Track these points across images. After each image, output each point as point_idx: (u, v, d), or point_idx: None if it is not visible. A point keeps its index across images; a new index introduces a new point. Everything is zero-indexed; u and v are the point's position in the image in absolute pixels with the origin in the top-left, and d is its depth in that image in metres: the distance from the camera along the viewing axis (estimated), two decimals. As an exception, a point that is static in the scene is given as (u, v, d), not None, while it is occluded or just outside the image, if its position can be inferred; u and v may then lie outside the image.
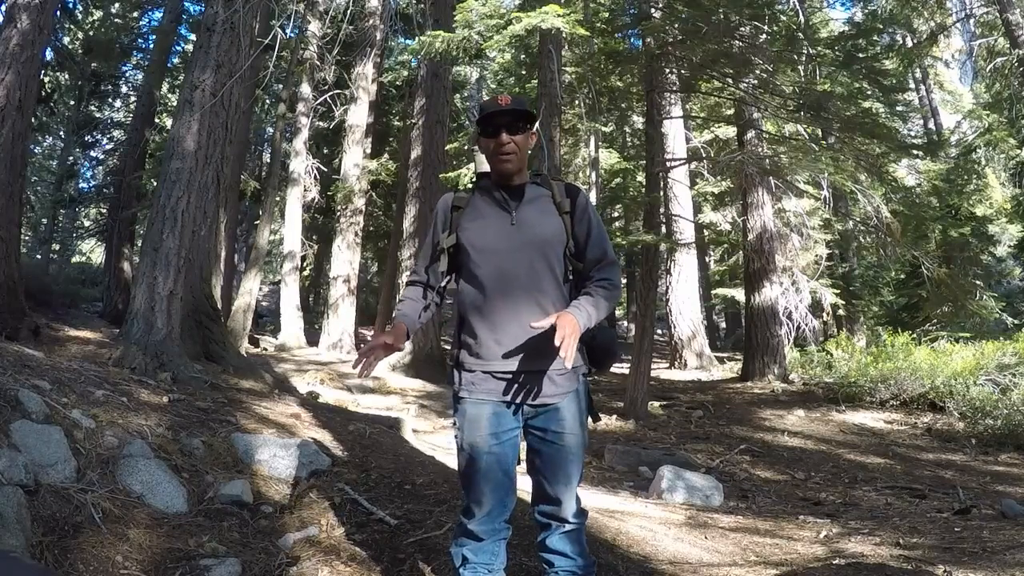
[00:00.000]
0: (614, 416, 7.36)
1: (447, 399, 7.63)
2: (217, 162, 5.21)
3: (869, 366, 8.58)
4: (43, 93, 11.25)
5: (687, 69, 8.21)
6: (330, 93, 14.19)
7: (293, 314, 13.48)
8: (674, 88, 8.98)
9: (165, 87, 15.79)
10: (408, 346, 10.58)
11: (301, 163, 13.61)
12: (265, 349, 12.44)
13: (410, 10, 12.45)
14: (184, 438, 3.03)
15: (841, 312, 14.29)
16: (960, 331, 10.76)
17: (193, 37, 11.79)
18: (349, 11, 11.12)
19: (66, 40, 13.91)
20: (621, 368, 10.44)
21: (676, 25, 7.52)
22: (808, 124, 9.09)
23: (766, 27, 7.57)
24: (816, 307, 12.78)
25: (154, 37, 14.75)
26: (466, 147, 13.35)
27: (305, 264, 20.09)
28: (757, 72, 7.76)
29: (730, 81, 8.21)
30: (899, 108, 12.02)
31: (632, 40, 8.97)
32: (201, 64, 5.02)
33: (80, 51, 14.24)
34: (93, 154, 18.10)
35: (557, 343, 1.48)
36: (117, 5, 15.51)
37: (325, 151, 18.26)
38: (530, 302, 1.68)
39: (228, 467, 2.94)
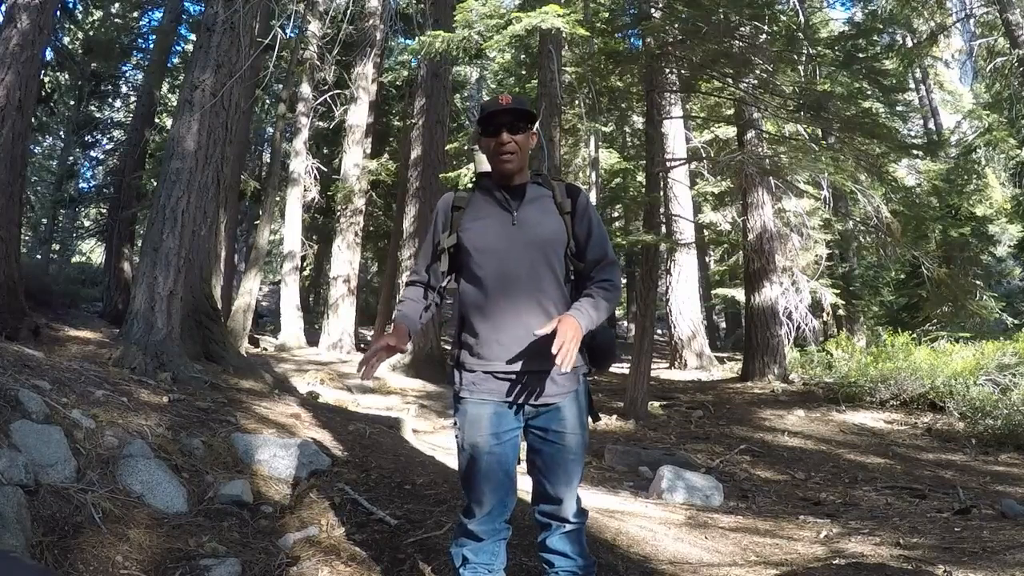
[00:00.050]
0: (614, 416, 7.36)
1: (447, 399, 7.64)
2: (217, 162, 5.21)
3: (869, 366, 8.58)
4: (43, 93, 11.25)
5: (687, 69, 8.21)
6: (330, 93, 14.18)
7: (293, 314, 13.48)
8: (674, 88, 8.98)
9: (165, 87, 15.80)
10: (408, 346, 10.58)
11: (301, 163, 13.61)
12: (265, 349, 12.44)
13: (410, 10, 12.45)
14: (184, 438, 3.03)
15: (841, 312, 14.29)
16: (960, 331, 10.76)
17: (193, 37, 11.80)
18: (349, 11, 11.12)
19: (66, 40, 13.91)
20: (621, 368, 10.45)
21: (676, 25, 7.52)
22: (808, 124, 9.09)
23: (766, 27, 7.57)
24: (816, 307, 12.78)
25: (154, 37, 14.75)
26: (466, 147, 13.34)
27: (305, 264, 20.09)
28: (757, 72, 7.76)
29: (730, 81, 8.22)
30: (899, 108, 12.02)
31: (632, 40, 8.97)
32: (201, 64, 5.02)
33: (80, 51, 14.25)
34: (93, 154, 18.12)
35: (555, 350, 1.48)
36: (117, 5, 15.52)
37: (325, 151, 18.26)
38: (531, 302, 1.68)
39: (228, 467, 2.94)
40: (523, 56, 15.92)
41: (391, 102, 17.37)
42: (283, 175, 13.78)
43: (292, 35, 12.02)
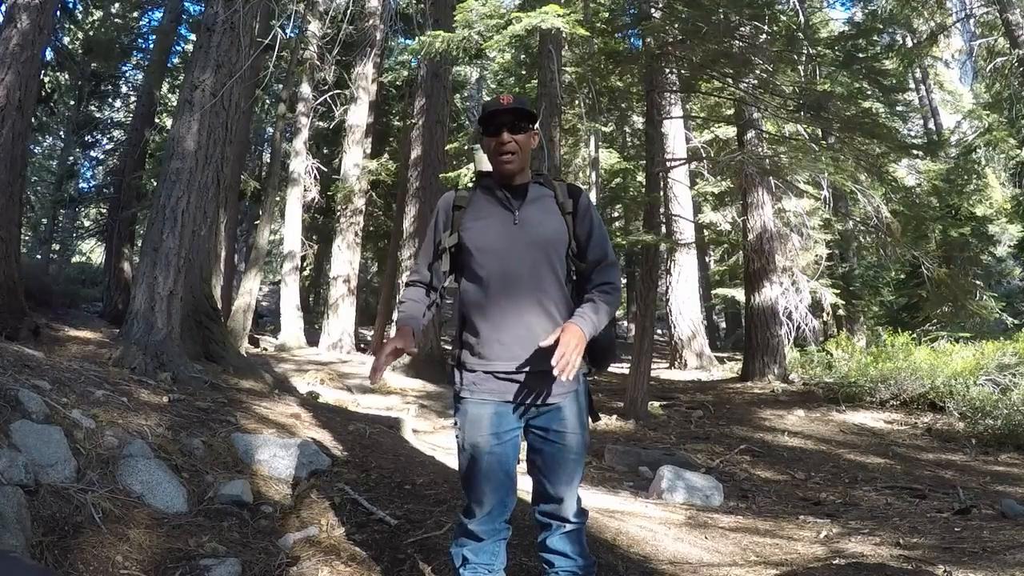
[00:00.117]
0: (614, 416, 7.36)
1: (447, 399, 7.64)
2: (217, 162, 5.21)
3: (869, 366, 8.58)
4: (43, 93, 11.25)
5: (687, 69, 8.21)
6: (330, 93, 14.18)
7: (293, 314, 13.48)
8: (674, 88, 8.98)
9: (165, 87, 15.79)
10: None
11: (301, 163, 13.61)
12: (265, 349, 12.44)
13: (410, 10, 12.45)
14: (184, 438, 3.03)
15: (841, 312, 14.29)
16: (960, 331, 10.76)
17: (193, 37, 11.80)
18: (349, 11, 11.12)
19: (66, 40, 13.91)
20: (621, 368, 10.45)
21: (676, 25, 7.52)
22: (808, 124, 9.09)
23: (766, 27, 7.57)
24: (816, 307, 12.78)
25: (154, 37, 14.75)
26: (466, 147, 13.35)
27: (305, 264, 20.09)
28: (757, 72, 7.76)
29: (730, 81, 8.22)
30: (899, 108, 12.02)
31: (632, 40, 8.97)
32: (201, 64, 5.02)
33: (80, 51, 14.24)
34: (93, 154, 18.12)
35: (555, 361, 1.49)
36: (117, 5, 15.51)
37: (325, 151, 18.26)
38: (532, 302, 1.68)
39: (228, 467, 2.94)
40: (523, 56, 15.92)
41: (391, 102, 17.37)
42: (283, 175, 13.78)
43: (292, 35, 12.02)
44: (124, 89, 18.46)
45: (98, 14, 15.40)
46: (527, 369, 1.66)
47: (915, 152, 9.31)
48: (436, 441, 5.46)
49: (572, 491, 1.72)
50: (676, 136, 12.49)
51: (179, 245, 4.69)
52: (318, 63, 13.56)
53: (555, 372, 1.49)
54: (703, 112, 12.41)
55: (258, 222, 13.42)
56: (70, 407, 2.81)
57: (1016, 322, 12.85)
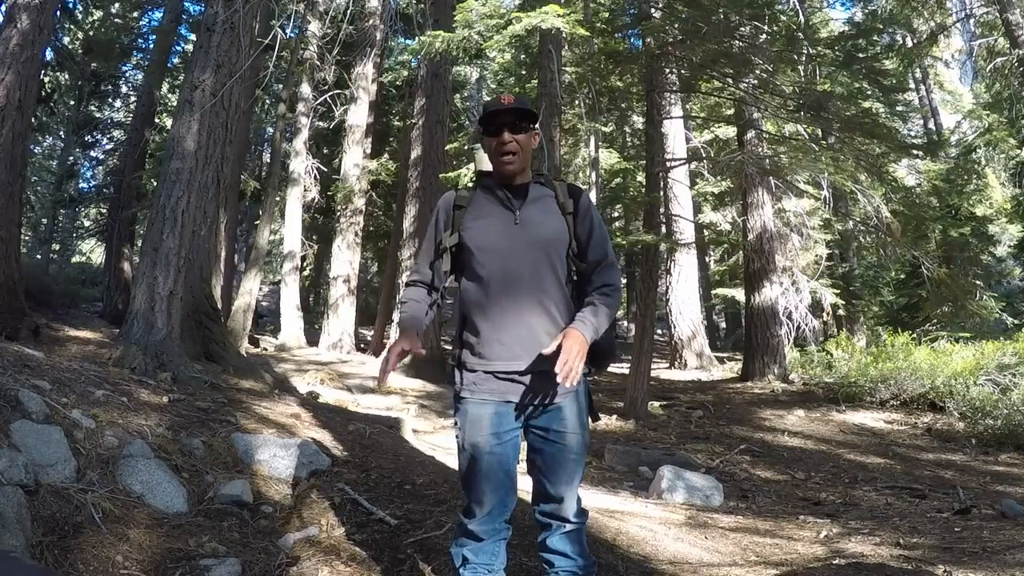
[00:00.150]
0: (614, 416, 7.36)
1: (447, 399, 7.64)
2: (217, 162, 5.21)
3: (869, 366, 8.58)
4: (43, 93, 11.25)
5: (687, 69, 8.21)
6: (330, 93, 14.18)
7: (293, 314, 13.48)
8: (674, 88, 8.98)
9: (165, 87, 15.79)
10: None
11: (301, 163, 13.61)
12: (265, 349, 12.44)
13: (410, 10, 12.45)
14: (184, 438, 3.03)
15: (841, 312, 14.29)
16: (960, 331, 10.76)
17: (193, 37, 11.80)
18: (349, 11, 11.12)
19: (66, 40, 13.90)
20: (621, 368, 10.45)
21: (676, 25, 7.52)
22: (808, 124, 9.09)
23: (766, 27, 7.57)
24: (816, 307, 12.78)
25: (154, 37, 14.75)
26: (466, 147, 13.35)
27: (305, 264, 20.09)
28: (757, 72, 7.76)
29: (730, 81, 8.22)
30: (899, 108, 12.02)
31: (632, 40, 8.97)
32: (201, 64, 5.02)
33: (80, 51, 14.24)
34: (93, 154, 18.11)
35: (558, 369, 1.50)
36: (117, 5, 15.51)
37: (325, 151, 18.26)
38: (533, 302, 1.68)
39: (228, 467, 2.94)
40: (523, 56, 15.91)
41: (391, 102, 17.38)
42: (283, 175, 13.78)
43: (292, 35, 12.02)
44: (124, 89, 18.47)
45: (98, 14, 15.40)
46: (528, 369, 1.66)
47: (915, 152, 9.31)
48: (436, 441, 5.46)
49: (572, 491, 1.72)
50: (676, 136, 12.49)
51: (179, 245, 4.69)
52: (318, 63, 13.56)
53: (559, 379, 1.50)
54: (703, 112, 12.41)
55: (258, 222, 13.42)
56: (70, 407, 2.81)
57: (1016, 322, 12.85)
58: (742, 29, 7.44)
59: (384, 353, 1.68)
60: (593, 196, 15.50)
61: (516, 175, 1.75)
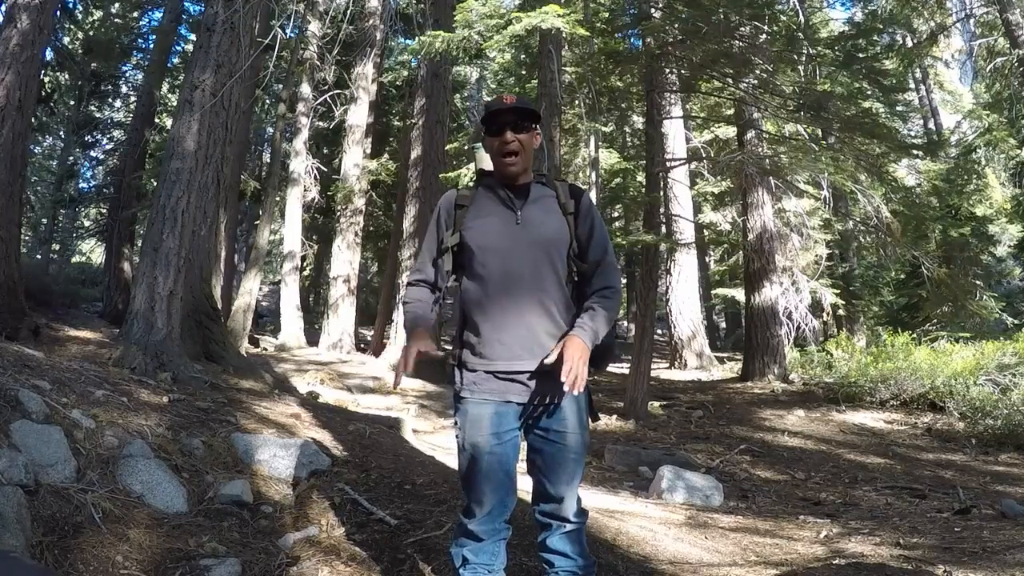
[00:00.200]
0: (614, 416, 7.36)
1: (447, 399, 7.63)
2: (217, 162, 5.21)
3: (869, 366, 8.58)
4: (43, 93, 11.25)
5: (687, 69, 8.21)
6: (330, 93, 14.18)
7: (293, 314, 13.48)
8: (674, 88, 8.98)
9: (165, 87, 15.79)
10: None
11: (301, 163, 13.61)
12: (265, 349, 12.43)
13: (410, 10, 12.45)
14: (184, 438, 3.03)
15: (841, 312, 14.29)
16: (960, 331, 10.76)
17: (193, 37, 11.80)
18: (349, 11, 11.12)
19: (66, 40, 13.90)
20: (621, 368, 10.45)
21: (676, 25, 7.52)
22: (808, 124, 9.09)
23: (766, 27, 7.57)
24: (816, 307, 12.78)
25: (154, 37, 14.75)
26: (466, 147, 13.35)
27: (305, 264, 20.09)
28: (757, 72, 7.76)
29: (730, 81, 8.21)
30: (899, 108, 12.01)
31: (632, 40, 8.97)
32: (201, 64, 5.02)
33: (80, 51, 14.24)
34: (93, 154, 18.11)
35: (563, 378, 1.51)
36: (117, 5, 15.51)
37: (325, 151, 18.26)
38: (533, 302, 1.68)
39: (228, 467, 2.94)
40: (523, 56, 15.91)
41: (391, 102, 17.37)
42: (283, 175, 13.78)
43: (292, 35, 12.01)
44: (124, 89, 18.46)
45: (98, 14, 15.39)
46: (528, 369, 1.66)
47: (915, 152, 9.31)
48: (436, 441, 5.46)
49: (572, 491, 1.72)
50: (676, 136, 12.49)
51: (179, 245, 4.69)
52: (318, 63, 13.56)
53: (565, 388, 1.52)
54: (703, 112, 12.41)
55: (258, 222, 13.42)
56: (70, 407, 2.82)
57: (1016, 322, 12.85)
58: (742, 29, 7.44)
59: (400, 356, 1.65)
60: (593, 196, 15.49)
61: (519, 176, 1.74)
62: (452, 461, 3.03)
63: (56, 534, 2.05)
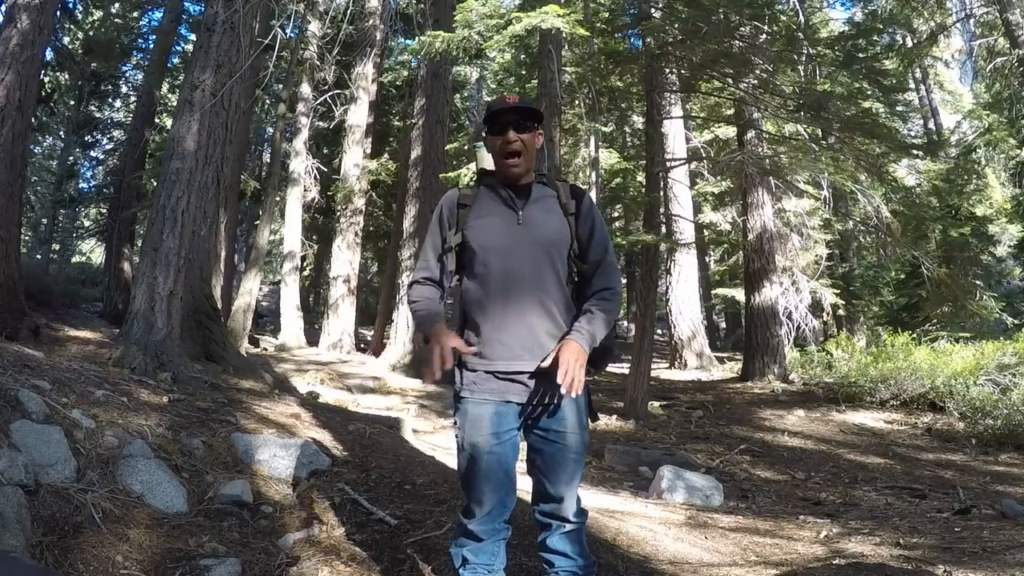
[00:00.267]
0: (614, 416, 7.36)
1: (447, 399, 7.64)
2: (217, 162, 5.21)
3: (869, 366, 8.58)
4: (43, 93, 11.25)
5: (687, 69, 8.21)
6: (330, 93, 14.18)
7: (293, 314, 13.48)
8: (674, 88, 8.98)
9: (165, 87, 15.79)
10: (408, 346, 10.58)
11: (301, 163, 13.61)
12: (265, 349, 12.43)
13: (410, 10, 12.46)
14: (184, 438, 3.03)
15: (841, 312, 14.29)
16: (960, 331, 10.76)
17: (193, 37, 11.80)
18: (349, 11, 11.12)
19: (66, 40, 13.90)
20: (621, 368, 10.45)
21: (676, 25, 7.52)
22: (808, 124, 9.09)
23: (766, 27, 7.57)
24: (816, 307, 12.78)
25: (154, 37, 14.75)
26: (466, 146, 13.35)
27: (305, 264, 20.09)
28: (757, 72, 7.76)
29: (730, 81, 8.22)
30: (899, 108, 12.01)
31: (632, 40, 8.97)
32: (201, 64, 5.02)
33: (80, 51, 14.24)
34: (93, 154, 18.11)
35: (560, 380, 1.51)
36: (117, 5, 15.51)
37: (325, 151, 18.26)
38: (534, 302, 1.68)
39: (228, 467, 2.94)
40: (523, 56, 15.91)
41: (391, 102, 17.37)
42: (283, 175, 13.78)
43: (292, 35, 12.01)
44: (124, 89, 18.46)
45: (98, 14, 15.39)
46: (528, 369, 1.66)
47: (915, 152, 9.31)
48: (436, 441, 5.46)
49: (572, 491, 1.72)
50: (676, 136, 12.49)
51: (179, 245, 4.69)
52: (318, 63, 13.56)
53: (562, 391, 1.52)
54: (703, 112, 12.41)
55: (258, 222, 13.42)
56: (70, 407, 2.82)
57: (1016, 322, 12.85)
58: (742, 29, 7.44)
59: (437, 349, 1.59)
60: (593, 196, 15.47)
61: (521, 176, 1.74)
62: (452, 461, 3.03)
63: (56, 534, 2.05)
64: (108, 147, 17.08)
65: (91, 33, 14.80)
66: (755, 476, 5.38)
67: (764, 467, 5.66)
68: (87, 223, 19.79)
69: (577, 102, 11.17)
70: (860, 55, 7.81)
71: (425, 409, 7.51)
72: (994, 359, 7.86)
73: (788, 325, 11.02)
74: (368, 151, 14.89)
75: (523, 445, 1.77)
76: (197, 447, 2.98)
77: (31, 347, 4.47)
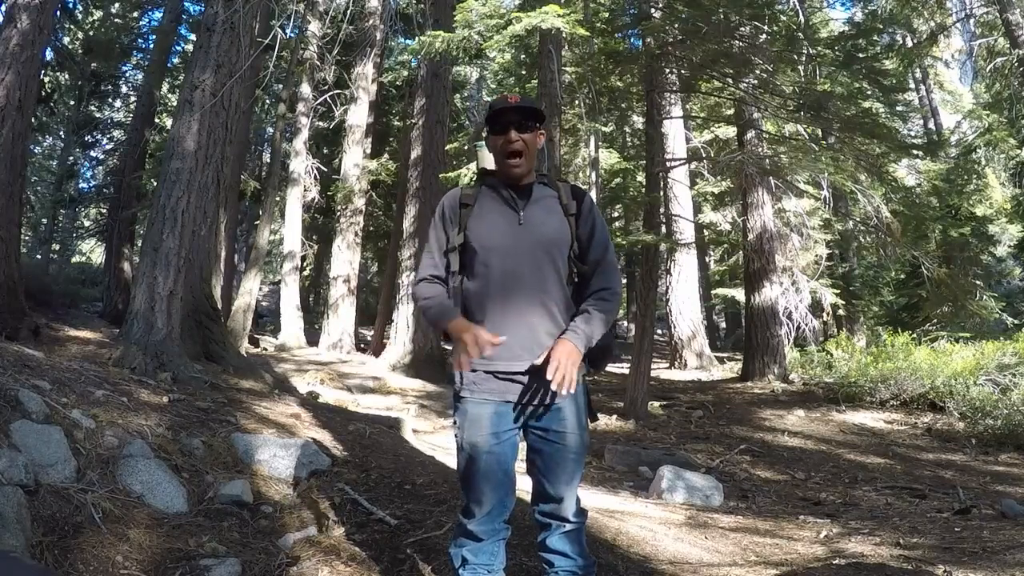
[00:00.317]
0: (614, 416, 7.36)
1: (447, 399, 7.64)
2: (217, 162, 5.21)
3: (869, 366, 8.58)
4: (43, 93, 11.25)
5: (687, 69, 8.21)
6: (330, 93, 14.18)
7: (293, 314, 13.48)
8: (674, 88, 8.98)
9: (165, 87, 15.79)
10: (408, 346, 10.58)
11: (301, 163, 13.61)
12: (265, 349, 12.43)
13: (410, 10, 12.46)
14: (184, 438, 3.03)
15: (841, 312, 14.29)
16: (960, 331, 10.77)
17: (193, 37, 11.80)
18: (349, 11, 11.12)
19: (66, 40, 13.90)
20: (621, 368, 10.45)
21: (676, 25, 7.52)
22: (808, 124, 9.09)
23: (766, 27, 7.57)
24: (816, 307, 12.78)
25: (154, 37, 14.75)
26: (466, 146, 13.34)
27: (305, 264, 20.09)
28: (757, 72, 7.76)
29: (730, 81, 8.22)
30: (899, 108, 12.02)
31: (632, 40, 8.97)
32: (201, 64, 5.02)
33: (80, 51, 14.24)
34: (93, 154, 18.11)
35: (550, 376, 1.52)
36: (117, 5, 15.51)
37: (325, 151, 18.26)
38: (534, 302, 1.68)
39: (228, 467, 2.94)
40: (523, 56, 15.91)
41: (391, 102, 17.37)
42: (283, 175, 13.78)
43: (292, 35, 12.01)
44: (124, 89, 18.46)
45: (98, 14, 15.39)
46: (528, 369, 1.66)
47: (915, 152, 9.31)
48: (436, 441, 5.46)
49: (572, 491, 1.72)
50: (676, 136, 12.49)
51: (179, 245, 4.69)
52: (318, 63, 13.56)
53: (553, 387, 1.53)
54: (703, 112, 12.41)
55: (258, 222, 13.42)
56: (70, 407, 2.82)
57: (1016, 322, 12.86)
58: (742, 29, 7.44)
59: (470, 335, 1.57)
60: (593, 196, 15.44)
61: (523, 177, 1.74)
62: (452, 461, 3.03)
63: (56, 534, 2.05)
64: (108, 147, 17.08)
65: (91, 33, 14.80)
66: (755, 476, 5.38)
67: (764, 467, 5.66)
68: (87, 223, 19.79)
69: (577, 102, 11.17)
70: (860, 55, 7.81)
71: (425, 409, 7.51)
72: (994, 359, 7.86)
73: (788, 325, 11.02)
74: (368, 151, 14.89)
75: (523, 445, 1.77)
76: (197, 447, 2.98)
77: (31, 347, 4.47)
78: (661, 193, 9.42)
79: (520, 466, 1.75)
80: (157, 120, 15.07)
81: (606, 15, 9.03)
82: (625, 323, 22.78)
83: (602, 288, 1.73)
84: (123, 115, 19.67)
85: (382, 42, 14.62)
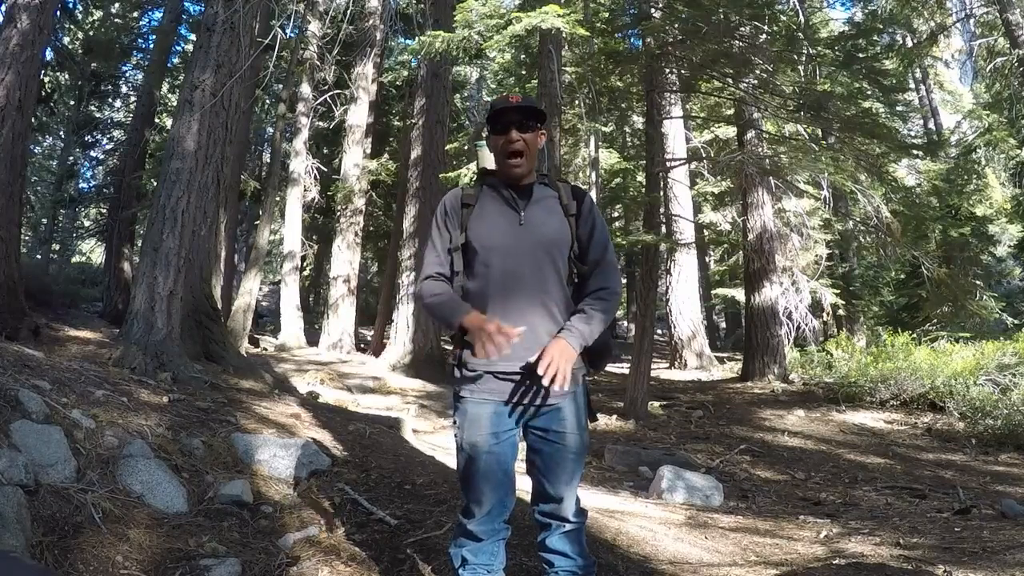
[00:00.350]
0: (614, 416, 7.36)
1: (447, 399, 7.64)
2: (217, 162, 5.21)
3: (869, 366, 8.58)
4: (43, 93, 11.25)
5: (687, 69, 8.21)
6: (330, 93, 14.18)
7: (293, 314, 13.48)
8: (674, 88, 8.98)
9: (165, 87, 15.79)
10: (408, 346, 10.58)
11: (301, 163, 13.61)
12: (265, 349, 12.43)
13: (410, 10, 12.46)
14: (184, 438, 3.03)
15: (841, 312, 14.29)
16: (960, 331, 10.76)
17: (193, 37, 11.80)
18: (349, 11, 11.12)
19: (66, 40, 13.90)
20: (621, 368, 10.45)
21: (676, 25, 7.52)
22: (808, 124, 9.09)
23: (766, 27, 7.57)
24: (816, 307, 12.78)
25: (154, 37, 14.75)
26: (466, 146, 13.35)
27: (305, 264, 20.09)
28: (757, 72, 7.76)
29: (730, 81, 8.21)
30: (899, 108, 12.02)
31: (632, 40, 8.97)
32: (201, 64, 5.02)
33: (80, 51, 14.24)
34: (93, 154, 18.11)
35: (541, 372, 1.52)
36: (117, 5, 15.51)
37: (325, 151, 18.26)
38: (535, 303, 1.68)
39: (228, 467, 2.94)
40: (523, 56, 15.91)
41: (391, 102, 17.37)
42: (283, 175, 13.78)
43: (292, 35, 12.01)
44: (124, 89, 18.46)
45: (98, 14, 15.39)
46: (528, 369, 1.66)
47: (915, 152, 9.31)
48: (436, 441, 5.46)
49: (572, 491, 1.72)
50: (676, 136, 12.49)
51: (179, 245, 4.69)
52: (318, 63, 13.56)
53: (544, 382, 1.53)
54: (703, 112, 12.41)
55: (258, 222, 13.42)
56: (70, 407, 2.82)
57: (1016, 322, 12.86)
58: (742, 29, 7.44)
59: (493, 326, 1.54)
60: (593, 196, 15.44)
61: (524, 177, 1.74)
62: (452, 461, 3.03)
63: (56, 534, 2.05)
64: (108, 147, 17.08)
65: (91, 33, 14.80)
66: (755, 476, 5.38)
67: (764, 467, 5.66)
68: (87, 223, 19.79)
69: (577, 102, 11.17)
70: (860, 55, 7.81)
71: (425, 409, 7.51)
72: (994, 359, 7.86)
73: (788, 325, 11.02)
74: (368, 151, 14.89)
75: (523, 445, 1.77)
76: (197, 447, 2.98)
77: (31, 347, 4.47)
78: (661, 193, 9.43)
79: (520, 466, 1.75)
80: (157, 120, 15.07)
81: (606, 15, 9.03)
82: (625, 323, 22.78)
83: (601, 288, 1.73)
84: (123, 115, 19.67)
85: (382, 42, 14.62)
